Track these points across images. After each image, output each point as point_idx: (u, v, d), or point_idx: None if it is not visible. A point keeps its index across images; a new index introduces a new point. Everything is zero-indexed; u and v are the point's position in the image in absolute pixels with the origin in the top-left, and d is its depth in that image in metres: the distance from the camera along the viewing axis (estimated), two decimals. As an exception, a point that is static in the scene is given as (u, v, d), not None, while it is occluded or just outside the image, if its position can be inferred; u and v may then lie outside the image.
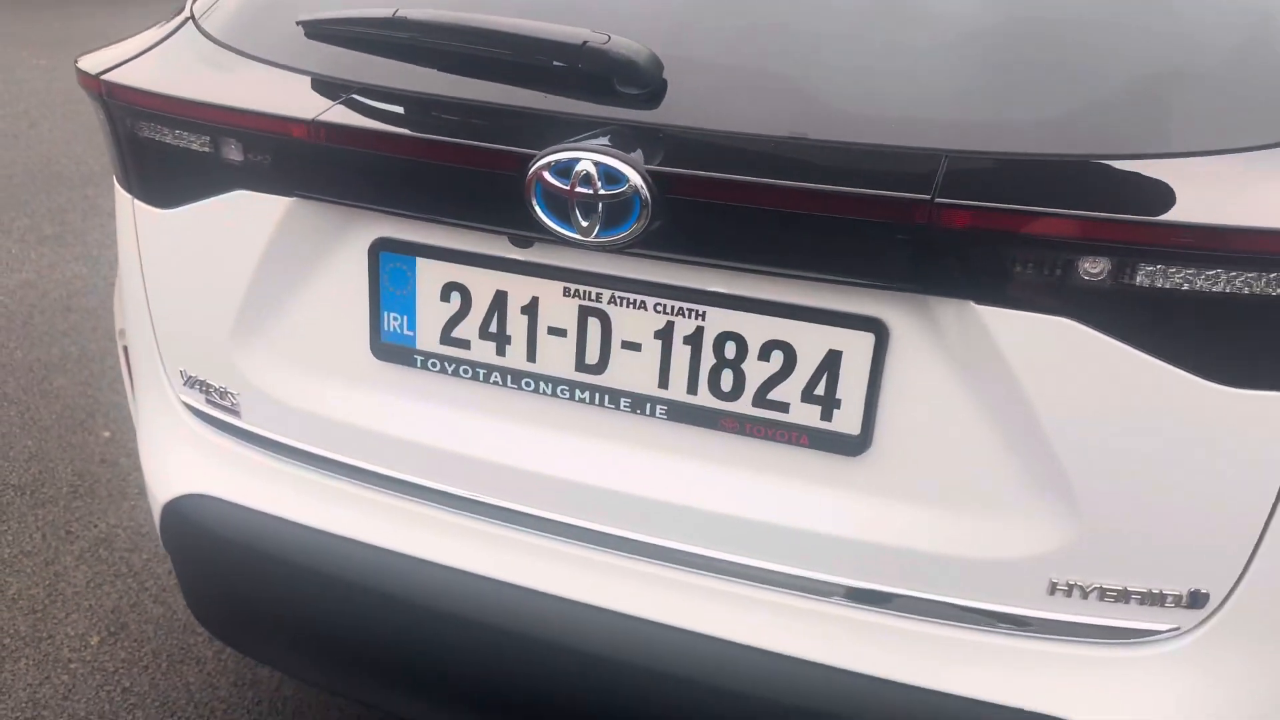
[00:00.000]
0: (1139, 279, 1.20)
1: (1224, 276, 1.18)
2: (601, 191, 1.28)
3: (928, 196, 1.20)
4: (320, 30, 1.48)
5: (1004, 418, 1.31)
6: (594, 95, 1.35)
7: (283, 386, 1.65)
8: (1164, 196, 1.21)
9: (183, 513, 1.76)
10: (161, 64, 1.61)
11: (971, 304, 1.25)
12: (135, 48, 1.68)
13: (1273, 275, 1.18)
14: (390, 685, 1.72)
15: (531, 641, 1.54)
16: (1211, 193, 1.20)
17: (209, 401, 1.73)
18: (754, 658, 1.45)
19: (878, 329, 1.33)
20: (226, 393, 1.70)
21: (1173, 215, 1.18)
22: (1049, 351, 1.25)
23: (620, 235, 1.30)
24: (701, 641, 1.47)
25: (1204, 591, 1.34)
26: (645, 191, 1.27)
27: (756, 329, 1.38)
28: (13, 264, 4.49)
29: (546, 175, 1.30)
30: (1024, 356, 1.26)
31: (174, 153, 1.57)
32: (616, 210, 1.29)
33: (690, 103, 1.34)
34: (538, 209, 1.32)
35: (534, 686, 1.58)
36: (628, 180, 1.27)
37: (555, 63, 1.33)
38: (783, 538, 1.43)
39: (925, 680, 1.41)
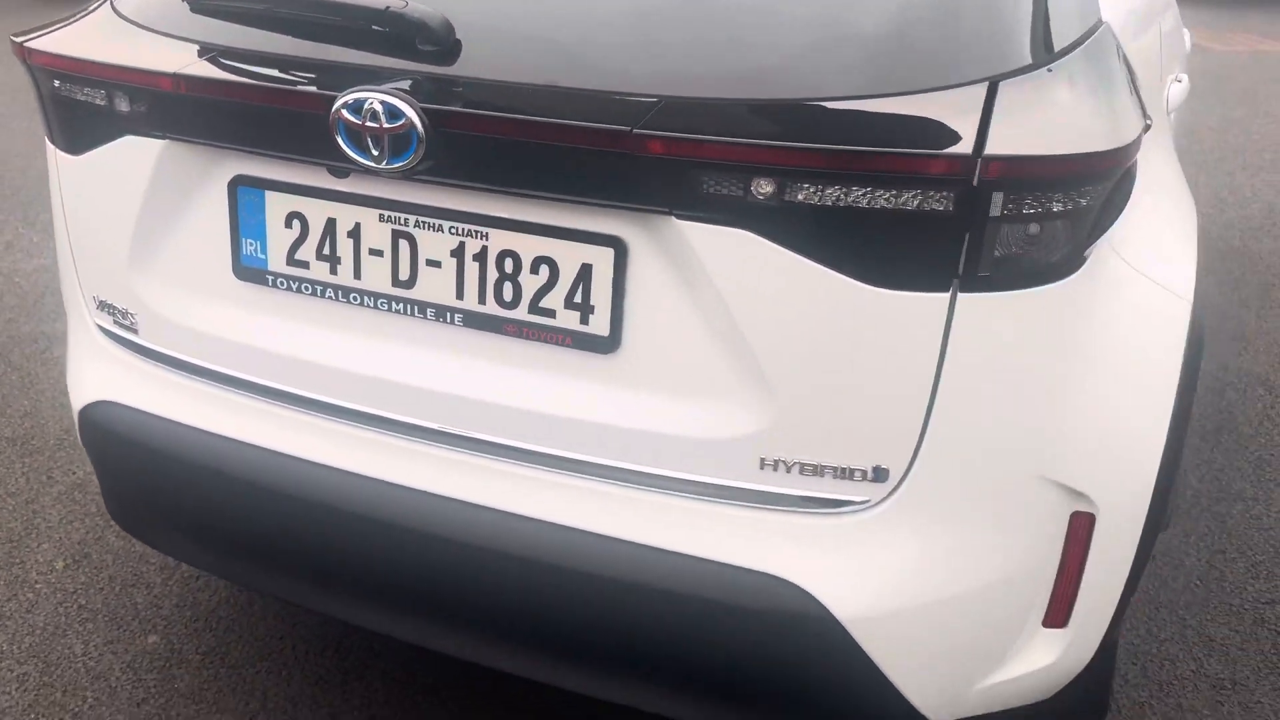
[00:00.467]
0: (799, 196, 1.47)
1: (866, 193, 1.45)
2: (385, 125, 1.58)
3: (628, 128, 1.49)
4: (201, 4, 1.80)
5: (712, 317, 1.58)
6: (396, 50, 1.65)
7: (169, 307, 1.96)
8: (819, 129, 1.48)
9: (93, 416, 2.08)
10: (74, 34, 1.94)
11: (675, 220, 1.53)
12: (61, 23, 2.01)
13: (909, 192, 1.45)
14: (258, 564, 2.02)
15: (357, 519, 1.82)
16: (858, 126, 1.47)
17: (115, 322, 2.05)
18: (529, 526, 1.73)
19: (617, 245, 1.61)
20: (127, 313, 2.01)
21: (822, 143, 1.45)
22: (734, 259, 1.52)
23: (404, 163, 1.60)
24: (487, 513, 1.75)
25: (885, 467, 1.60)
26: (420, 125, 1.57)
27: (528, 247, 1.66)
28: (33, 251, 4.89)
29: (345, 113, 1.60)
30: (717, 263, 1.53)
31: (79, 106, 1.89)
32: (399, 141, 1.59)
33: (471, 57, 1.64)
34: (340, 141, 1.62)
35: (366, 557, 1.87)
36: (405, 115, 1.57)
37: (363, 24, 1.64)
38: (553, 425, 1.71)
39: (665, 543, 1.67)
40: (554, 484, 1.73)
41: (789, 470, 1.62)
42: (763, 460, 1.62)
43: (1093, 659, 1.83)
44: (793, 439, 1.60)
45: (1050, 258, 1.51)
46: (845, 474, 1.60)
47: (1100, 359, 1.61)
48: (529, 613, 1.78)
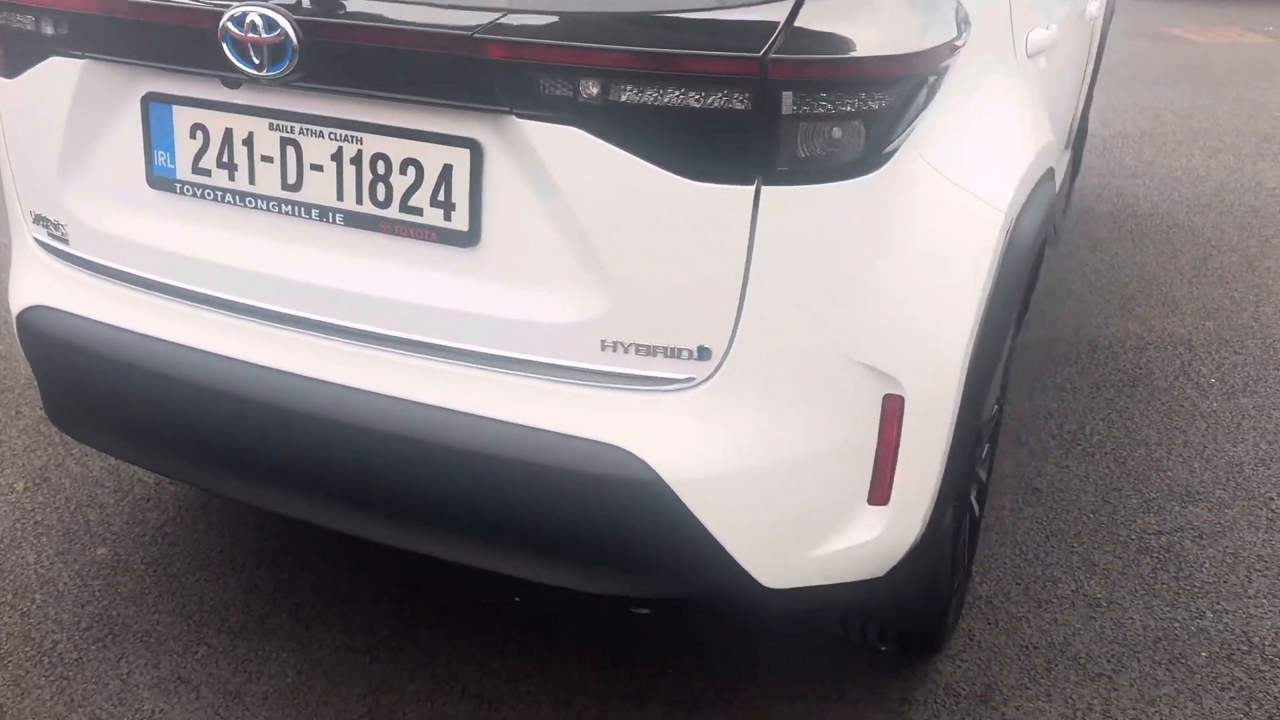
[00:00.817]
0: (622, 96, 1.66)
1: (678, 93, 1.64)
2: (264, 36, 1.78)
3: (471, 33, 1.68)
4: None
5: (556, 210, 1.77)
6: None
7: (93, 217, 2.16)
8: (638, 36, 1.67)
9: (29, 320, 2.29)
10: None
11: (518, 120, 1.73)
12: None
13: (713, 92, 1.63)
14: (173, 451, 2.22)
15: (257, 406, 2.02)
16: (673, 32, 1.65)
17: (49, 235, 2.25)
18: (400, 406, 1.92)
19: (473, 146, 1.80)
20: (59, 225, 2.22)
21: (636, 46, 1.64)
22: (570, 155, 1.71)
23: (281, 70, 1.80)
24: (365, 396, 1.94)
25: (708, 347, 1.78)
26: (294, 36, 1.77)
27: (397, 150, 1.86)
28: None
29: (230, 25, 1.80)
30: (556, 160, 1.72)
31: (14, 33, 2.10)
32: (276, 50, 1.79)
33: None
34: (226, 51, 1.82)
35: (265, 440, 2.06)
36: (280, 27, 1.77)
37: None
38: (421, 314, 1.90)
39: (520, 418, 1.86)
40: (421, 368, 1.91)
41: (626, 351, 1.80)
42: (603, 342, 1.80)
43: (922, 549, 2.01)
44: (627, 322, 1.78)
45: (847, 155, 1.69)
46: (674, 353, 1.79)
47: (901, 252, 1.79)
48: (400, 484, 1.97)
